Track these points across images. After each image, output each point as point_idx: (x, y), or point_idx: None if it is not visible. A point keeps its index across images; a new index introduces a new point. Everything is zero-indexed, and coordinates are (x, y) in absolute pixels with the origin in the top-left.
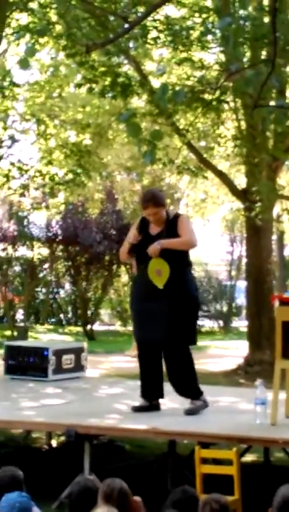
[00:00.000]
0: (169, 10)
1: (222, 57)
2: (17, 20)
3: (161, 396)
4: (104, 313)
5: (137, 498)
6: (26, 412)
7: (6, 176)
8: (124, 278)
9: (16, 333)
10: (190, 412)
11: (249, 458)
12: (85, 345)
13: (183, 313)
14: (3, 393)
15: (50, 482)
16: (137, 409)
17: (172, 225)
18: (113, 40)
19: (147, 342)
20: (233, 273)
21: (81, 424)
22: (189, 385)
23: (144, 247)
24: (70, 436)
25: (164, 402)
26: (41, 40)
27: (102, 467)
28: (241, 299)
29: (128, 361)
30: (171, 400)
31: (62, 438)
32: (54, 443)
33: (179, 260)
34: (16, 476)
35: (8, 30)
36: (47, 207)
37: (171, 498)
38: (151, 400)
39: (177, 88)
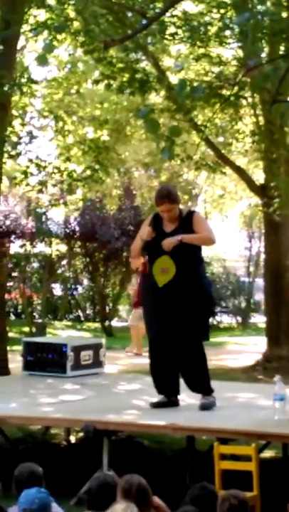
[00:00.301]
0: (187, 5)
1: (240, 53)
2: (35, 16)
3: (178, 392)
4: (123, 309)
5: (159, 501)
6: (45, 408)
7: (25, 172)
8: None
9: (34, 330)
10: (205, 407)
11: (268, 454)
12: (104, 341)
13: (196, 308)
14: (22, 389)
15: (69, 478)
16: (155, 405)
17: (187, 222)
18: (131, 36)
19: (159, 338)
20: (252, 269)
21: (100, 420)
22: (202, 380)
23: (156, 244)
24: (88, 432)
25: (183, 398)
26: (59, 37)
27: (121, 463)
28: (259, 295)
29: (147, 357)
30: (190, 396)
31: (81, 434)
32: (73, 439)
33: (192, 256)
34: (35, 471)
35: (26, 27)
36: (65, 203)
37: (190, 494)
38: (169, 396)
39: (195, 84)
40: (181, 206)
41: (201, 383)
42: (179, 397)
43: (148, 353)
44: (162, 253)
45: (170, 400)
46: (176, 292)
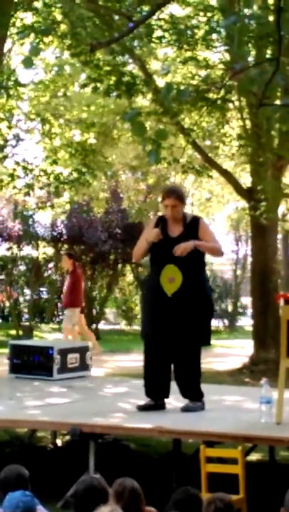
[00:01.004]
0: (174, 9)
1: (227, 56)
2: (21, 19)
3: (167, 396)
4: (110, 312)
5: (152, 509)
6: (31, 411)
7: (11, 175)
8: (130, 277)
9: (21, 332)
10: (187, 409)
11: (254, 457)
12: (90, 344)
13: (198, 313)
14: (8, 392)
15: (56, 481)
16: (142, 408)
17: (192, 228)
18: (118, 39)
19: (156, 340)
20: (239, 272)
21: (86, 423)
22: (193, 386)
23: (160, 248)
24: (74, 435)
25: (169, 401)
26: (46, 40)
27: (107, 466)
28: (246, 298)
29: (133, 360)
30: (176, 399)
31: (67, 437)
32: (59, 442)
33: (197, 262)
34: (21, 474)
35: (12, 30)
36: (52, 206)
37: (173, 498)
38: (156, 399)
39: (182, 87)
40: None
41: (192, 389)
42: (165, 400)
43: (143, 353)
44: (167, 260)
45: (157, 404)
46: (181, 299)
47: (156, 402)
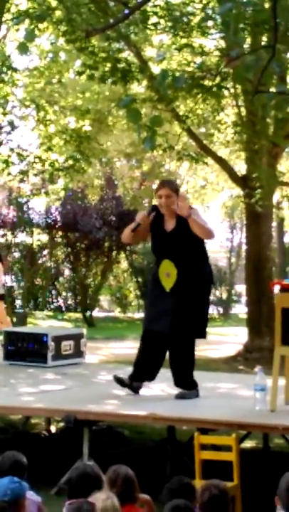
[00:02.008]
0: None
1: (222, 43)
2: (16, 5)
3: (152, 378)
4: (104, 299)
5: (147, 497)
6: (25, 398)
7: (6, 161)
8: (124, 264)
9: (15, 319)
10: (181, 396)
11: (248, 444)
12: (85, 331)
13: (193, 307)
14: (2, 379)
15: (49, 468)
16: (117, 380)
17: (183, 222)
18: (113, 26)
19: (154, 331)
20: (233, 260)
21: (80, 410)
22: (185, 376)
23: (158, 243)
24: (69, 422)
25: (163, 389)
26: (41, 26)
27: (102, 453)
28: (241, 286)
29: (128, 347)
30: (170, 387)
31: (62, 424)
32: (53, 429)
33: (196, 254)
34: (18, 460)
35: (7, 16)
36: (46, 193)
37: (167, 487)
38: (133, 380)
39: (177, 74)
40: None
41: (185, 379)
42: (158, 387)
43: (140, 340)
44: (164, 255)
45: (131, 385)
46: (177, 294)
47: (131, 382)
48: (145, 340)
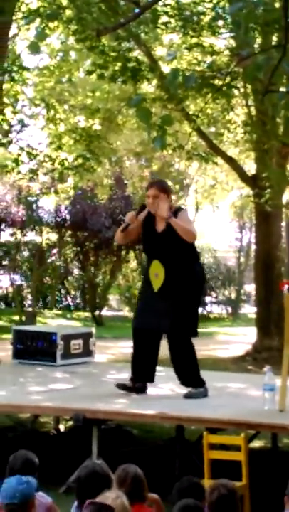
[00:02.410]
0: None
1: (232, 43)
2: (27, 4)
3: (146, 380)
4: (113, 298)
5: (156, 497)
6: (34, 397)
7: (15, 160)
8: (133, 264)
9: (24, 318)
10: (189, 396)
11: (257, 444)
12: (94, 330)
13: (181, 308)
14: (12, 377)
15: (58, 467)
16: (120, 386)
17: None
18: (124, 25)
19: (145, 328)
20: (242, 259)
21: (89, 408)
22: (191, 375)
23: (148, 243)
24: (78, 420)
25: (172, 388)
26: (51, 25)
27: (110, 452)
28: (250, 286)
29: None
30: (179, 386)
31: (70, 423)
32: (62, 427)
33: (185, 255)
34: (29, 459)
35: (18, 15)
36: (56, 192)
37: (176, 487)
38: (135, 382)
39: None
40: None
41: (191, 377)
42: (167, 386)
43: (132, 340)
44: (154, 255)
45: (134, 386)
46: (165, 294)
47: (134, 384)
48: (136, 340)
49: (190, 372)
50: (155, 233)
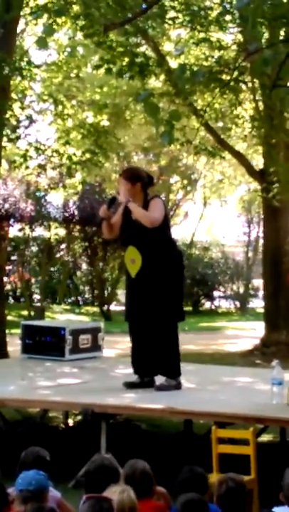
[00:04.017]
0: None
1: (240, 38)
2: (35, 0)
3: (152, 374)
4: (121, 293)
5: (163, 490)
6: (43, 391)
7: (24, 155)
8: None
9: (32, 313)
10: (160, 388)
11: (265, 438)
12: (102, 325)
13: (162, 292)
14: (21, 372)
15: (67, 461)
16: (127, 386)
17: (147, 207)
18: (131, 20)
19: (133, 320)
20: (250, 254)
21: (98, 403)
22: (169, 363)
23: (126, 230)
24: (86, 415)
25: (181, 382)
26: (59, 20)
27: (119, 446)
28: (258, 280)
29: None
30: (188, 380)
31: (79, 417)
32: (71, 422)
33: (160, 239)
34: (41, 456)
35: (26, 10)
36: (64, 187)
37: (179, 477)
38: (142, 377)
39: (195, 69)
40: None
41: (168, 366)
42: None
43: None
44: (129, 242)
45: (143, 381)
46: (144, 279)
47: (142, 379)
48: (132, 332)
49: (169, 360)
50: (130, 220)
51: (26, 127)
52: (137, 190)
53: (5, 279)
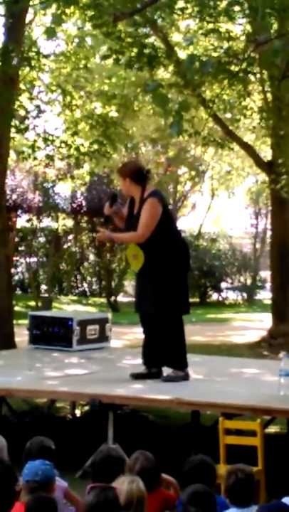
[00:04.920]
0: None
1: (249, 28)
2: None
3: (159, 364)
4: (128, 284)
5: (170, 478)
6: (51, 382)
7: (32, 146)
8: None
9: (40, 304)
10: (168, 379)
11: (273, 429)
12: (110, 316)
13: (166, 285)
14: (28, 363)
15: (74, 451)
16: (135, 376)
17: (142, 206)
18: (140, 10)
19: (141, 313)
20: (258, 246)
21: (105, 393)
22: (176, 355)
23: (127, 225)
24: (94, 405)
25: (188, 373)
26: (67, 11)
27: (126, 437)
28: (265, 272)
29: None
30: (195, 372)
31: (87, 407)
32: (78, 412)
33: (163, 234)
34: (45, 445)
35: (34, 0)
36: (72, 178)
37: (186, 466)
38: (150, 368)
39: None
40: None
41: (175, 358)
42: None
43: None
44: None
45: (150, 372)
46: (149, 274)
47: (150, 370)
48: (141, 323)
49: (175, 352)
50: (132, 215)
51: (34, 118)
52: (127, 185)
53: (12, 269)
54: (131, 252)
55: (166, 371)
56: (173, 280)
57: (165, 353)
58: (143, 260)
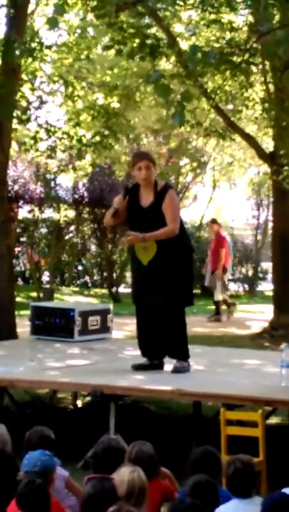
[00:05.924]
0: None
1: (251, 19)
2: None
3: (160, 356)
4: (130, 275)
5: (167, 471)
6: (52, 372)
7: (34, 137)
8: None
9: (41, 295)
10: (177, 370)
11: (274, 420)
12: (111, 306)
13: (174, 277)
14: (30, 353)
15: (76, 442)
16: (137, 368)
17: (160, 198)
18: (143, 0)
19: (144, 305)
20: (259, 237)
21: (107, 384)
22: (178, 345)
23: (134, 218)
24: (95, 396)
25: (190, 364)
26: (69, 1)
27: (127, 427)
28: (267, 263)
29: None
30: (196, 362)
31: (88, 398)
32: (79, 403)
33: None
34: (45, 435)
35: None
36: (74, 169)
37: (192, 457)
38: (151, 359)
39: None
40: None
41: (178, 348)
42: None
43: (136, 316)
44: (140, 230)
45: (152, 363)
46: (157, 266)
47: (151, 362)
48: (139, 315)
49: (178, 343)
50: (141, 208)
51: (36, 109)
52: (151, 172)
53: (14, 260)
54: (141, 244)
55: (170, 362)
56: (182, 272)
57: (168, 344)
58: (154, 253)
